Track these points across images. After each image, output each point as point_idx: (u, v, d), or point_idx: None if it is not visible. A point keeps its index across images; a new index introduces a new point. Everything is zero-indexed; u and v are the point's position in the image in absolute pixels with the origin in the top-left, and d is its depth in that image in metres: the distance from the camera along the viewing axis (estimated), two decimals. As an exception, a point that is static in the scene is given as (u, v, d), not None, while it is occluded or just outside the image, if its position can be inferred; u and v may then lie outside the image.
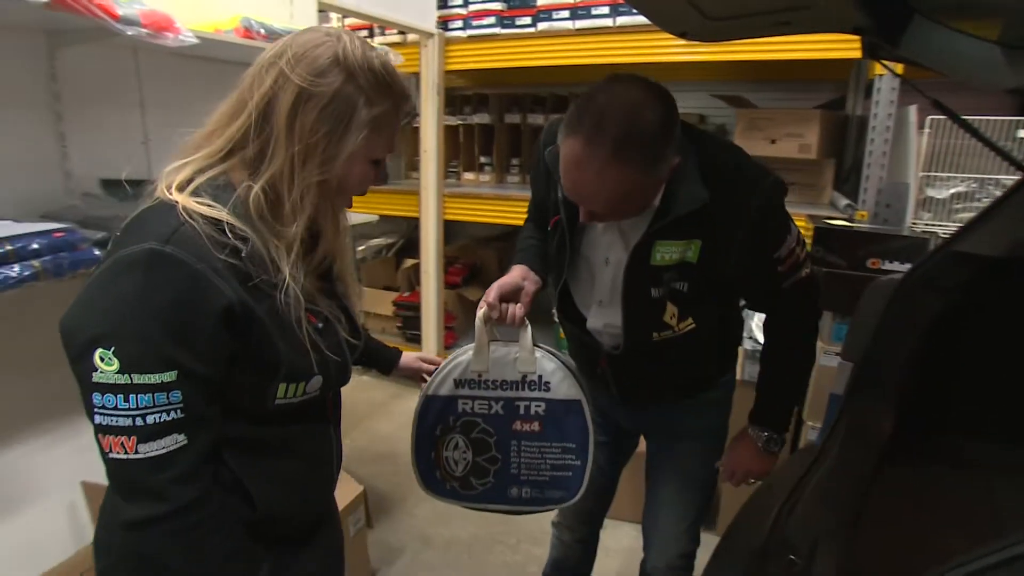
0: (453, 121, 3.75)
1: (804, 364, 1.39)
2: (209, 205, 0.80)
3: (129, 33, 1.32)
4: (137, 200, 1.62)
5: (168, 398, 0.75)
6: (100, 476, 1.91)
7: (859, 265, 1.99)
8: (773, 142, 2.82)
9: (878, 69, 2.33)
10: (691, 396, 1.43)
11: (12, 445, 1.67)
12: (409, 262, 4.08)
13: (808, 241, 2.23)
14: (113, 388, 0.73)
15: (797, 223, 2.47)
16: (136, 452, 0.74)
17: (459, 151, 3.85)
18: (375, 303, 4.05)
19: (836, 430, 1.53)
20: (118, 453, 0.75)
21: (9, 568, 1.67)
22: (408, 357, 1.39)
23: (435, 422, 1.30)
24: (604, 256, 1.27)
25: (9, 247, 1.23)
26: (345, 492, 2.03)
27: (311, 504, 1.03)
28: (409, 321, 3.87)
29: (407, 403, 3.66)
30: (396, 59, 2.31)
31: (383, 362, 1.36)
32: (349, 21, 3.52)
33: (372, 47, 0.86)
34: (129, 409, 0.74)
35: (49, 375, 1.70)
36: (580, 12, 2.94)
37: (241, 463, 0.87)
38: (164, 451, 0.76)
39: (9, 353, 1.61)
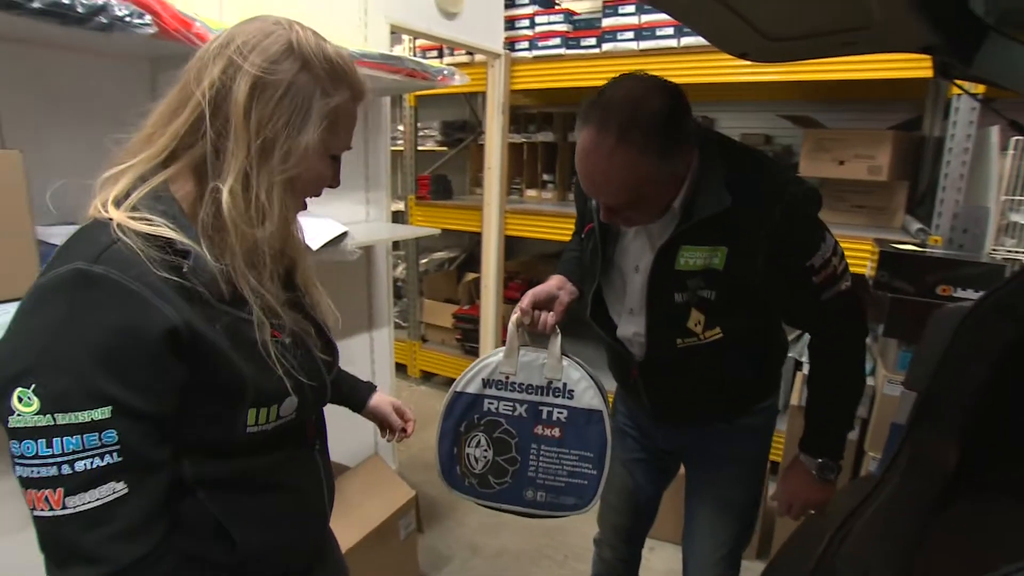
0: (517, 139, 3.84)
1: (853, 386, 1.34)
2: (147, 220, 0.70)
3: (219, 57, 1.44)
4: None
5: (100, 439, 0.64)
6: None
7: (928, 291, 1.91)
8: (841, 163, 2.75)
9: (956, 88, 2.25)
10: (726, 420, 1.41)
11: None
12: (470, 276, 4.17)
13: (873, 265, 2.16)
14: (33, 432, 0.63)
15: (862, 247, 2.41)
16: (64, 507, 0.63)
17: (523, 168, 3.93)
18: (435, 315, 4.16)
19: (897, 461, 1.48)
20: (42, 510, 0.64)
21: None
22: (381, 399, 1.24)
23: (460, 418, 1.35)
24: (634, 264, 1.29)
25: (108, 248, 1.36)
26: (397, 496, 2.10)
27: (301, 541, 0.94)
28: (468, 334, 3.95)
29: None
30: (461, 79, 2.40)
31: (355, 399, 1.23)
32: (419, 42, 3.68)
33: (318, 35, 0.81)
34: (53, 456, 0.63)
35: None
36: (645, 33, 2.97)
37: (217, 502, 0.78)
38: (98, 503, 0.65)
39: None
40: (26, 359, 0.64)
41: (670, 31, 2.90)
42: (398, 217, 3.78)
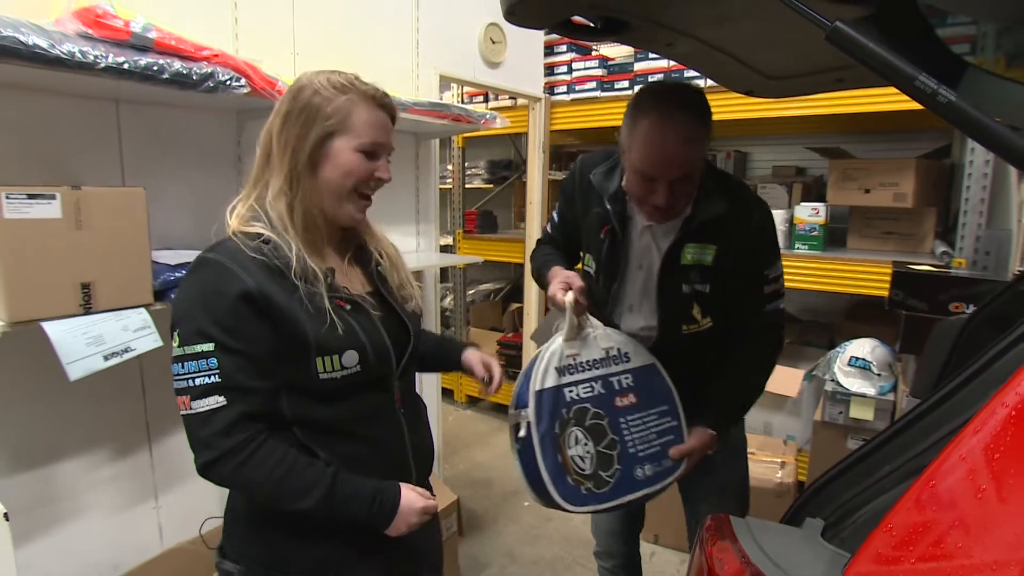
0: (558, 176, 4.07)
1: (764, 381, 1.51)
2: (249, 223, 1.03)
3: (296, 109, 1.73)
4: None
5: (208, 365, 0.94)
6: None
7: (941, 309, 2.01)
8: (867, 191, 2.86)
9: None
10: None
11: (181, 430, 2.07)
12: (514, 305, 4.38)
13: (886, 285, 2.26)
14: (177, 359, 0.96)
15: (883, 269, 2.51)
16: (191, 409, 0.95)
17: (562, 203, 4.14)
18: (481, 342, 4.37)
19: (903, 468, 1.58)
20: (182, 410, 0.96)
21: (169, 530, 2.06)
22: (470, 355, 1.41)
23: (551, 418, 1.27)
24: (638, 263, 1.46)
25: (204, 267, 1.64)
26: (439, 499, 2.28)
27: None
28: (512, 360, 4.14)
29: (506, 436, 3.89)
30: (503, 123, 2.66)
31: (448, 360, 1.41)
32: (467, 89, 3.99)
33: (337, 71, 1.07)
34: (186, 374, 0.95)
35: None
36: (674, 75, 3.18)
37: (309, 437, 1.04)
38: (207, 408, 0.94)
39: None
40: (176, 313, 1.00)
41: (697, 72, 3.10)
42: (446, 250, 4.05)
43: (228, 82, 1.48)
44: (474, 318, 4.56)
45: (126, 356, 1.49)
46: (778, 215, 2.93)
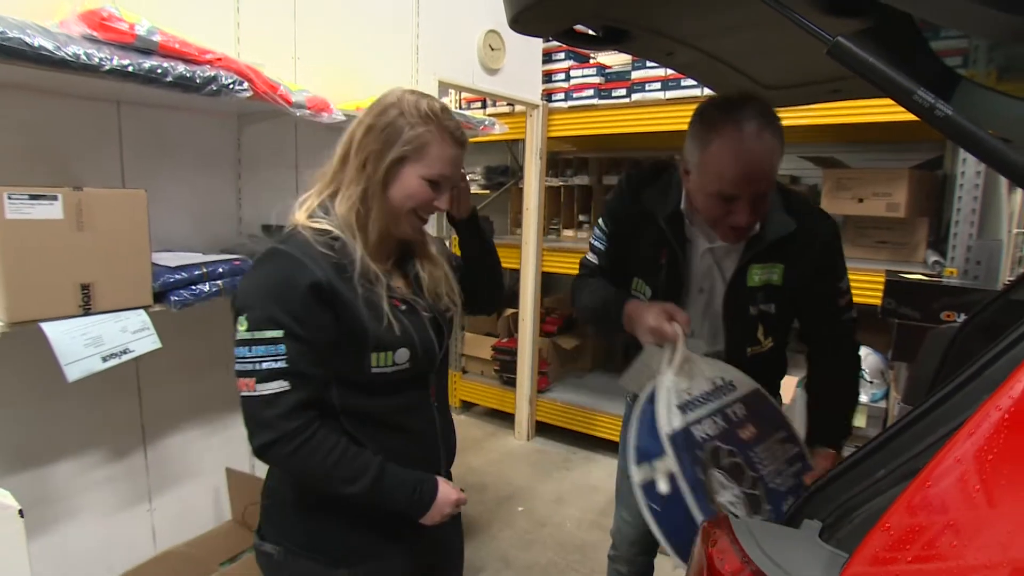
0: (555, 182, 4.10)
1: (857, 392, 1.50)
2: (318, 220, 1.09)
3: (298, 114, 1.74)
4: None
5: (276, 350, 1.00)
6: (242, 464, 2.30)
7: (933, 317, 2.03)
8: (860, 201, 2.89)
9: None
10: None
11: (180, 430, 2.09)
12: (509, 311, 4.39)
13: (879, 294, 2.28)
14: (243, 342, 1.01)
15: (876, 278, 2.53)
16: (255, 391, 1.01)
17: (560, 209, 4.17)
18: (476, 347, 4.38)
19: (898, 470, 1.59)
20: (244, 392, 1.02)
21: (163, 533, 2.06)
22: None
23: (692, 465, 1.07)
24: (699, 286, 1.39)
25: (204, 269, 1.65)
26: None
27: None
28: (506, 365, 4.14)
29: (500, 441, 3.90)
30: (501, 128, 2.68)
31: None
32: (465, 95, 4.01)
33: (428, 96, 1.13)
34: (253, 358, 1.00)
35: (211, 376, 2.13)
36: (670, 84, 3.21)
37: (355, 427, 1.11)
38: (271, 392, 1.00)
39: (183, 356, 2.04)
40: (244, 299, 1.04)
41: (694, 81, 3.13)
42: (443, 254, 4.06)
43: (231, 86, 1.49)
44: (468, 323, 4.56)
45: (124, 358, 1.49)
46: (773, 223, 2.96)
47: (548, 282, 4.14)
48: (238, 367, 1.02)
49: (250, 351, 1.01)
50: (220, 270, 1.70)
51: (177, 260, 1.67)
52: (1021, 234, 2.45)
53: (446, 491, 1.17)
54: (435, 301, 1.23)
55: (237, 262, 1.75)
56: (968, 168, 2.44)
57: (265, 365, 1.00)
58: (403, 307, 1.14)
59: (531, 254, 3.77)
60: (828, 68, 1.47)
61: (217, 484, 2.18)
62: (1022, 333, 0.53)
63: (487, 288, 1.41)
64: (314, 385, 1.05)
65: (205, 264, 1.66)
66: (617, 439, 3.58)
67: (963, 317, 2.01)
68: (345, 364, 1.08)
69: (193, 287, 1.66)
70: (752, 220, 1.25)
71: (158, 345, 1.56)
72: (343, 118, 1.92)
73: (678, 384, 1.16)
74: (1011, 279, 2.47)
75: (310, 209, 1.11)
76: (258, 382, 1.00)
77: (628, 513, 1.68)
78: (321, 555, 1.13)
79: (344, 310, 1.05)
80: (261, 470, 2.31)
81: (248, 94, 1.55)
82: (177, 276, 1.62)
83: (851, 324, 1.44)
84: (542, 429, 3.94)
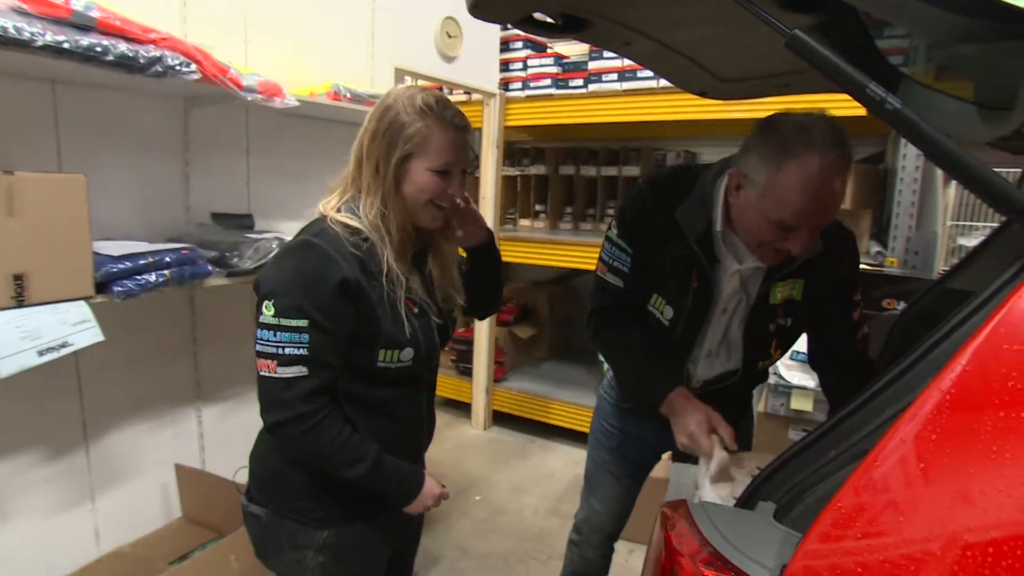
0: (512, 172, 4.08)
1: None
2: (347, 217, 1.13)
3: (249, 99, 1.68)
4: (239, 229, 2.03)
5: (300, 338, 1.06)
6: (192, 459, 2.24)
7: (875, 305, 2.12)
8: (808, 193, 2.98)
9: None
10: (744, 416, 1.59)
11: (124, 426, 2.01)
12: (466, 300, 4.37)
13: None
14: (268, 326, 1.07)
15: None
16: (275, 372, 1.07)
17: (517, 199, 4.17)
18: (433, 337, 4.35)
19: (847, 452, 1.66)
20: (264, 372, 1.08)
21: (107, 534, 1.99)
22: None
23: None
24: (723, 306, 1.33)
25: (150, 259, 1.58)
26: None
27: (404, 458, 1.24)
28: (463, 355, 4.13)
29: (457, 430, 3.90)
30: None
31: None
32: (421, 83, 3.96)
33: (423, 90, 1.16)
34: (276, 342, 1.06)
35: (158, 370, 2.06)
36: (627, 75, 3.24)
37: (354, 412, 1.17)
38: (291, 375, 1.07)
39: (128, 349, 1.97)
40: (273, 285, 1.08)
41: (650, 73, 3.16)
42: (399, 244, 4.01)
43: (178, 67, 1.43)
44: (426, 313, 4.53)
45: (64, 351, 1.42)
46: (725, 215, 3.03)
47: (505, 271, 4.14)
48: (260, 347, 1.08)
49: (275, 335, 1.07)
50: (167, 259, 1.63)
51: (121, 249, 1.59)
52: (955, 226, 2.58)
53: (431, 485, 1.25)
54: (444, 301, 1.29)
55: (185, 251, 1.68)
56: (908, 163, 2.54)
57: (288, 351, 1.06)
58: (415, 310, 1.20)
59: (488, 244, 3.76)
60: (781, 62, 1.51)
61: (166, 480, 2.11)
62: (961, 319, 0.56)
63: (489, 300, 1.48)
64: (332, 373, 1.12)
65: (151, 253, 1.60)
66: (574, 427, 3.64)
67: (903, 305, 2.10)
68: (356, 356, 1.14)
69: (138, 277, 1.59)
70: (807, 249, 1.17)
71: (100, 338, 1.49)
72: (296, 103, 1.87)
73: (719, 493, 1.07)
74: (945, 268, 2.60)
75: (335, 207, 1.16)
76: (279, 365, 1.07)
77: (601, 504, 1.68)
78: (305, 517, 1.20)
79: (365, 307, 1.11)
80: (212, 465, 2.27)
81: (196, 76, 1.49)
82: (121, 266, 1.55)
83: (865, 342, 1.41)
84: (499, 418, 3.96)
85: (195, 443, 2.23)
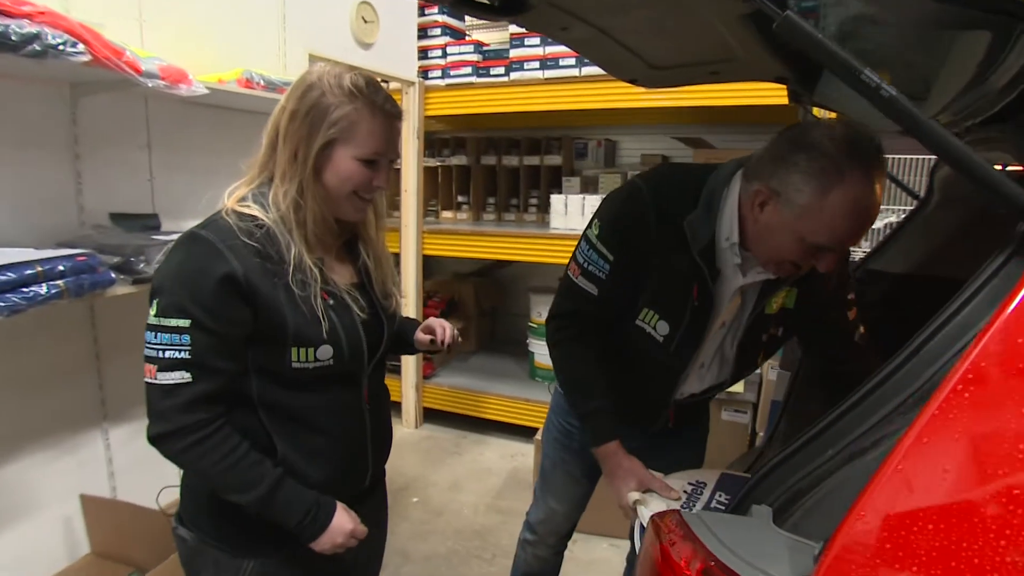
0: (432, 163, 3.98)
1: None
2: (246, 205, 1.03)
3: (150, 85, 1.51)
4: (142, 232, 1.84)
5: (180, 340, 0.95)
6: (100, 488, 2.03)
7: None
8: (726, 180, 3.08)
9: (816, 112, 2.61)
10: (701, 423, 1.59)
11: (15, 458, 1.78)
12: (390, 296, 4.24)
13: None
14: (152, 327, 0.97)
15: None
16: (155, 379, 0.96)
17: (438, 191, 4.07)
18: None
19: (776, 433, 1.72)
20: (147, 378, 0.97)
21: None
22: (417, 334, 1.39)
23: None
24: (721, 320, 1.27)
25: (39, 268, 1.39)
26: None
27: (335, 481, 1.12)
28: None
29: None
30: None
31: (406, 343, 1.40)
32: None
33: (351, 70, 1.06)
34: (157, 344, 0.96)
35: (54, 391, 1.84)
36: (549, 63, 3.21)
37: (272, 423, 1.06)
38: (171, 383, 0.96)
39: (17, 371, 1.74)
40: (159, 282, 0.99)
41: (572, 61, 3.16)
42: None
43: (61, 47, 1.25)
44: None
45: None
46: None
47: (429, 265, 4.04)
48: (145, 351, 0.98)
49: (155, 337, 0.97)
50: (60, 268, 1.44)
51: (2, 258, 1.39)
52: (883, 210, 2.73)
53: (342, 520, 1.09)
54: (382, 292, 1.19)
55: (82, 257, 1.49)
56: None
57: (168, 354, 0.96)
58: (331, 301, 1.08)
59: (411, 237, 3.65)
60: (712, 50, 1.52)
61: (69, 514, 1.90)
62: (950, 315, 0.55)
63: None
64: (222, 378, 1.00)
65: (40, 262, 1.40)
66: (507, 420, 3.62)
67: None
68: (265, 357, 1.04)
69: (25, 289, 1.39)
70: (833, 268, 1.11)
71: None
72: (205, 91, 1.70)
73: (658, 509, 1.09)
74: (867, 250, 2.75)
75: (240, 198, 1.06)
76: (159, 370, 0.96)
77: (560, 504, 1.63)
78: (229, 545, 1.10)
79: (263, 304, 1.00)
80: (123, 493, 2.06)
81: (85, 58, 1.31)
82: (2, 277, 1.35)
83: (864, 340, 1.36)
84: (430, 415, 3.87)
85: (103, 469, 2.01)
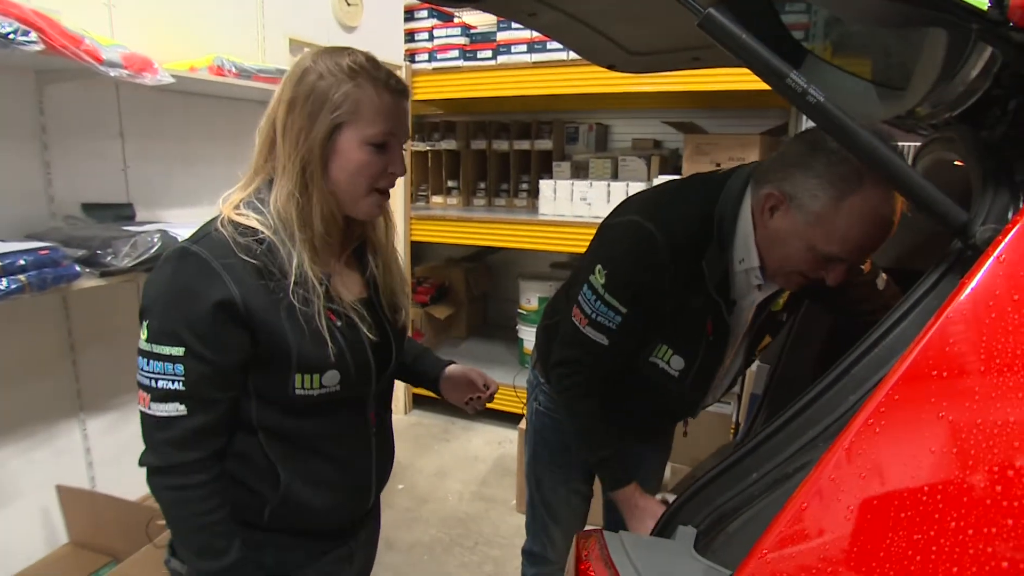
0: (422, 147, 3.94)
1: None
2: (243, 215, 0.92)
3: (112, 74, 1.48)
4: (115, 222, 1.79)
5: (174, 369, 0.87)
6: (78, 478, 2.04)
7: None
8: (718, 165, 3.03)
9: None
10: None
11: (-8, 450, 1.78)
12: (382, 282, 4.22)
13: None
14: (144, 353, 0.89)
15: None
16: (149, 409, 0.89)
17: (427, 175, 4.03)
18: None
19: (755, 426, 1.70)
20: (140, 406, 0.91)
21: None
22: (453, 371, 1.29)
23: None
24: (737, 342, 1.26)
25: (1, 262, 1.37)
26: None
27: (338, 508, 1.06)
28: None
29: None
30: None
31: (427, 377, 1.30)
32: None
33: (348, 50, 0.95)
34: (150, 372, 0.88)
35: (28, 383, 1.84)
36: (537, 46, 3.16)
37: (273, 448, 0.97)
38: (165, 415, 0.89)
39: (-8, 364, 1.73)
40: (149, 300, 0.90)
41: (560, 44, 3.10)
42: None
43: (11, 36, 1.22)
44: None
45: None
46: (638, 187, 3.05)
47: (419, 251, 4.01)
48: (138, 378, 0.90)
49: (148, 364, 0.89)
50: (21, 262, 1.42)
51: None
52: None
53: None
54: (390, 304, 1.09)
55: (44, 251, 1.47)
56: (808, 136, 2.63)
57: (161, 384, 0.88)
58: (339, 322, 0.98)
59: (400, 223, 3.62)
60: (691, 36, 1.48)
61: (46, 504, 1.90)
62: (883, 334, 0.53)
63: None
64: (220, 409, 0.93)
65: (0, 255, 1.39)
66: (496, 407, 3.60)
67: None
68: (266, 383, 0.95)
69: (-12, 283, 1.38)
70: (840, 282, 1.06)
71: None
72: (171, 80, 1.67)
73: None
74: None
75: (235, 205, 0.95)
76: (153, 401, 0.89)
77: (566, 534, 1.57)
78: None
79: (263, 329, 0.91)
80: (101, 483, 2.06)
81: (39, 47, 1.28)
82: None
83: (887, 289, 1.28)
84: (419, 401, 3.88)
85: (80, 460, 2.01)
